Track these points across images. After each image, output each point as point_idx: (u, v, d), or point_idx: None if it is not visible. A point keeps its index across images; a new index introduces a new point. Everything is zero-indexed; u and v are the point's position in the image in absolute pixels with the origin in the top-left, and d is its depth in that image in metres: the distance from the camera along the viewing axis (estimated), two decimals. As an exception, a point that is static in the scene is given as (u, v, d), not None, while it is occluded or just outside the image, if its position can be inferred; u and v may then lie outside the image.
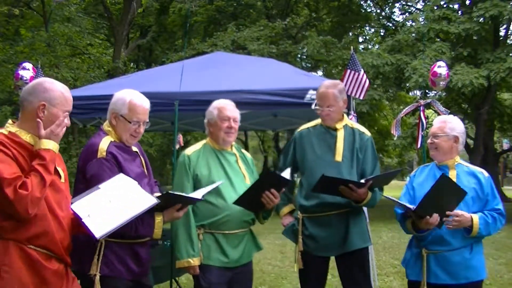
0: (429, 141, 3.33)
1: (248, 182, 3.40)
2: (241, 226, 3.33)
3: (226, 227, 3.27)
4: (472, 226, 3.09)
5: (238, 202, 3.20)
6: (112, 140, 2.97)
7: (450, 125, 3.28)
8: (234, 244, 3.31)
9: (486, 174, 3.31)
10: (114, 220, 2.50)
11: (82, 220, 2.48)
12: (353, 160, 3.53)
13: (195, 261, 3.21)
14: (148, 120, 3.08)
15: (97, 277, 2.81)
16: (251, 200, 3.23)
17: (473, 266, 3.17)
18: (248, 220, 3.39)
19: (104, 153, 2.88)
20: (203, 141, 3.50)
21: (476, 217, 3.10)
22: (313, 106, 3.61)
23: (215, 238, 3.27)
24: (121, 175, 2.82)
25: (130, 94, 3.04)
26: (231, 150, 3.48)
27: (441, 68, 5.88)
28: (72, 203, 2.56)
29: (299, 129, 3.76)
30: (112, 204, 2.58)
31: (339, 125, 3.59)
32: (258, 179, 3.26)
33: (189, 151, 3.42)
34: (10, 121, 2.49)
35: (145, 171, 3.13)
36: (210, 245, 3.26)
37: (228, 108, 3.42)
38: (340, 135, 3.57)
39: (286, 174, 3.31)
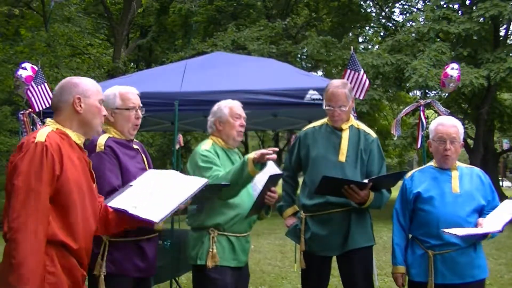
0: (447, 146, 3.19)
1: None
2: (249, 227, 3.40)
3: (237, 228, 3.30)
4: None
5: (250, 214, 3.27)
6: (111, 136, 3.03)
7: (461, 130, 3.25)
8: (243, 245, 3.37)
9: (483, 173, 3.34)
10: (168, 205, 2.45)
11: (130, 212, 2.43)
12: (357, 161, 3.50)
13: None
14: (142, 105, 3.14)
15: (101, 277, 2.83)
16: (258, 205, 3.29)
17: (478, 265, 3.19)
18: (254, 220, 3.46)
19: (102, 147, 2.94)
20: (209, 141, 3.43)
21: None
22: (324, 107, 3.57)
23: (229, 240, 3.30)
24: (151, 170, 2.87)
25: (116, 88, 3.13)
26: (234, 148, 3.51)
27: (453, 70, 5.93)
28: (107, 203, 2.54)
29: (304, 128, 3.75)
30: (157, 194, 2.54)
31: (344, 126, 3.56)
32: (264, 186, 3.23)
33: (206, 146, 3.36)
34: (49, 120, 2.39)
35: (147, 168, 3.15)
36: (224, 246, 3.28)
37: (238, 107, 3.46)
38: (345, 135, 3.53)
39: (272, 166, 3.27)
